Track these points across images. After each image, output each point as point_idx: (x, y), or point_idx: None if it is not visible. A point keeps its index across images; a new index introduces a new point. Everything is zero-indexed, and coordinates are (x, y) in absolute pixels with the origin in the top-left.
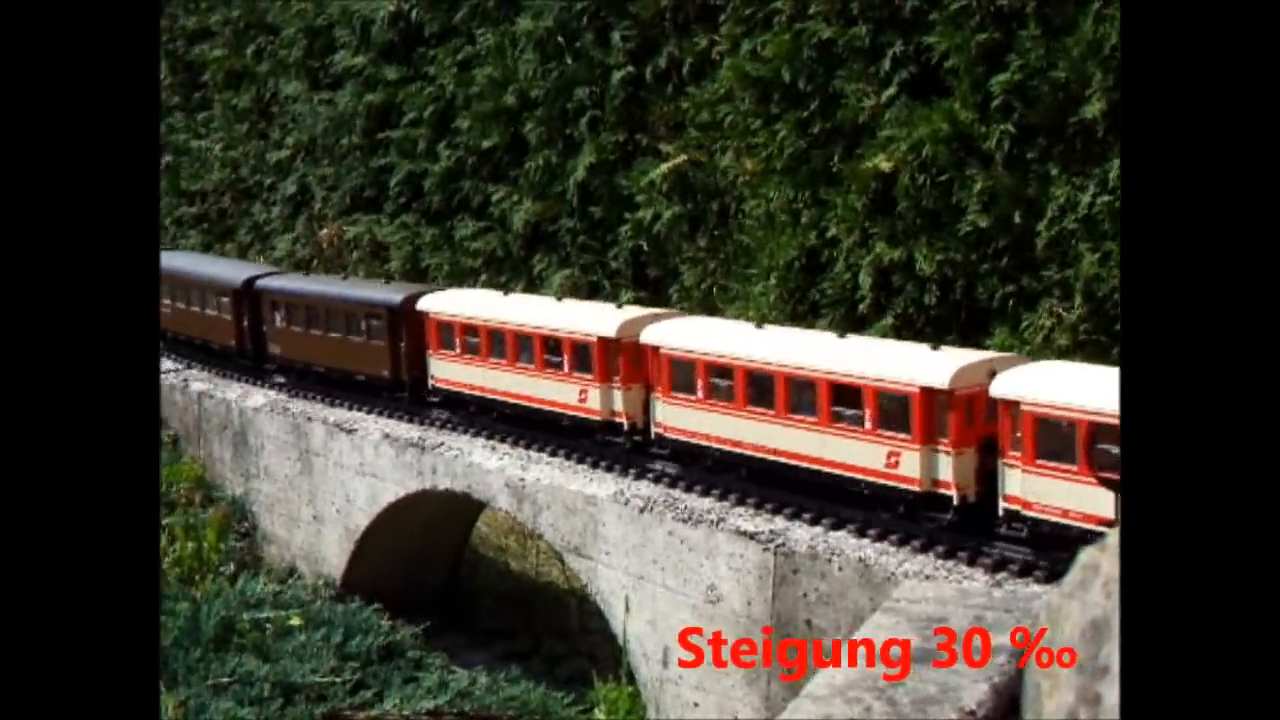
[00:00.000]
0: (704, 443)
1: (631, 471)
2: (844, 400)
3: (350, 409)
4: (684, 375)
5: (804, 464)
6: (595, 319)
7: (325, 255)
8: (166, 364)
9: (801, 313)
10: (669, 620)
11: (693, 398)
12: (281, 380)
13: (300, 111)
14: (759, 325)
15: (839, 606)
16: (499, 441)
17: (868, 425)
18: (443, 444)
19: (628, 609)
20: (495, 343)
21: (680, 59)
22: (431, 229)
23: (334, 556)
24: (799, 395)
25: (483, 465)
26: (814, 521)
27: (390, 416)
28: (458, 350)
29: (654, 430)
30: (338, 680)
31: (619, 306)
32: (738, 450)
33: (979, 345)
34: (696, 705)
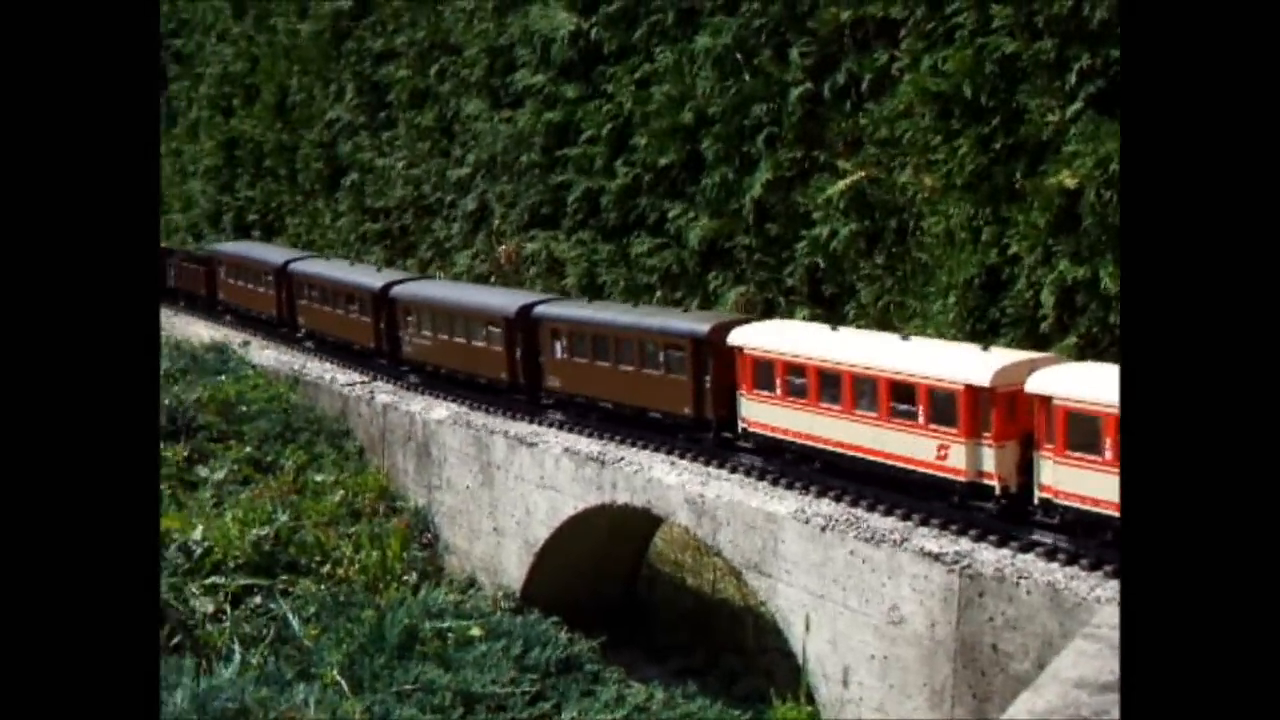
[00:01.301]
0: (1112, 512)
1: (813, 489)
2: None
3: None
4: (1085, 432)
5: None
6: (960, 363)
7: (504, 271)
8: (354, 376)
9: (981, 331)
10: (850, 640)
11: (1097, 459)
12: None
13: (481, 130)
14: None
15: (1027, 631)
16: (678, 457)
17: None
18: (623, 459)
19: (808, 628)
20: (827, 385)
21: (859, 74)
22: (608, 245)
23: (514, 568)
24: None
25: (662, 480)
26: (1001, 543)
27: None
28: (778, 391)
29: (1038, 494)
30: (517, 691)
31: (985, 348)
32: None
33: None
34: None
